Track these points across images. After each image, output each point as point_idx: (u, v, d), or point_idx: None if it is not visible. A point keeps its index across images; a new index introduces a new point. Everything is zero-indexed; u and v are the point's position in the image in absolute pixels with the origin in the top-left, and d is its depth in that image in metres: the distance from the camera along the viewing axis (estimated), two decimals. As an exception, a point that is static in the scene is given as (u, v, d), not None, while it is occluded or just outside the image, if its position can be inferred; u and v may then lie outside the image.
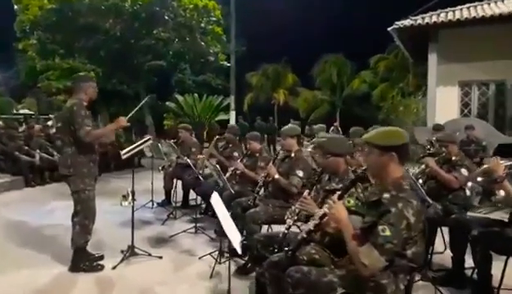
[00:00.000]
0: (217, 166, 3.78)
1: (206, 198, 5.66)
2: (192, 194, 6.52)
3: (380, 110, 22.67)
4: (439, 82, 11.97)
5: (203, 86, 23.18)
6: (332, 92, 25.52)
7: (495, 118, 11.58)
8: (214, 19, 13.43)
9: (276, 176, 3.84)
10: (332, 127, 11.69)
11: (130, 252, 4.05)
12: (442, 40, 11.78)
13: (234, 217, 4.09)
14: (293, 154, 3.94)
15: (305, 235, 2.18)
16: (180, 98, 18.24)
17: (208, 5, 13.07)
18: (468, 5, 12.05)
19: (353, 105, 25.34)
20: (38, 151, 8.27)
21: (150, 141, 4.11)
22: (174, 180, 6.55)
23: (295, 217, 2.60)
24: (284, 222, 3.83)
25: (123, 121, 3.82)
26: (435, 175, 3.78)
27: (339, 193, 2.07)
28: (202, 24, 13.24)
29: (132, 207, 4.08)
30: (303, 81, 27.26)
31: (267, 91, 26.48)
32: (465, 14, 11.28)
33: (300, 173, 3.76)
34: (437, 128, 6.15)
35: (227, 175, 5.18)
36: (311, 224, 2.14)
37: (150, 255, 4.09)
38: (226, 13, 13.76)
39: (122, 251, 4.17)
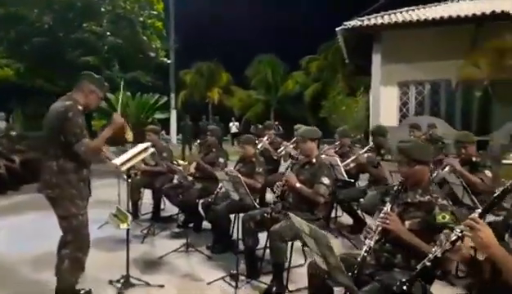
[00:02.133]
0: (240, 174, 3.23)
1: (187, 209, 5.07)
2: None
3: (312, 110, 23.28)
4: (381, 81, 12.41)
5: (132, 84, 21.76)
6: (267, 92, 25.61)
7: (430, 116, 12.23)
8: (155, 13, 12.51)
9: (298, 185, 3.42)
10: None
11: (125, 284, 3.35)
12: (385, 41, 12.22)
13: (245, 233, 3.62)
14: (314, 160, 3.54)
15: (429, 264, 1.80)
16: (111, 96, 16.85)
17: (151, -3, 12.18)
18: (406, 8, 12.66)
19: (287, 105, 25.68)
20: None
21: (152, 150, 3.42)
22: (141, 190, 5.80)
23: (376, 237, 2.21)
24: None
25: (119, 118, 3.16)
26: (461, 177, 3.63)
27: (479, 211, 1.70)
28: (141, 18, 12.25)
29: (128, 230, 3.37)
30: (236, 79, 27.02)
31: (200, 90, 25.75)
32: (407, 17, 11.80)
33: (326, 180, 3.38)
34: (415, 127, 6.16)
35: (220, 184, 4.65)
36: (438, 251, 1.76)
37: (148, 284, 3.41)
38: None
39: (111, 282, 3.46)
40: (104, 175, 5.77)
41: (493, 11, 10.26)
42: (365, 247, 2.22)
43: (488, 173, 3.61)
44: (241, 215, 4.55)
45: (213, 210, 4.26)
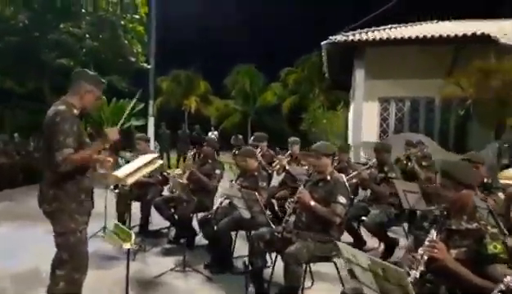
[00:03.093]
0: (243, 189, 3.00)
1: (180, 223, 4.78)
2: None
3: (289, 122, 23.34)
4: (363, 97, 12.53)
5: (108, 89, 21.13)
6: (245, 102, 25.45)
7: (411, 132, 12.39)
8: (137, 17, 12.14)
9: (313, 203, 3.22)
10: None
11: (125, 309, 3.03)
12: (368, 57, 12.37)
13: (254, 253, 3.39)
14: (329, 177, 3.36)
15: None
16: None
17: (135, 0, 11.80)
18: (390, 26, 12.89)
19: (264, 116, 25.63)
20: None
21: (160, 162, 3.15)
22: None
23: (422, 267, 2.04)
24: (326, 260, 3.29)
25: (114, 133, 2.81)
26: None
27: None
28: (122, 22, 11.85)
29: (128, 250, 3.05)
30: (215, 89, 26.73)
31: (177, 98, 25.28)
32: (391, 34, 12.00)
33: (343, 200, 3.20)
34: (411, 144, 6.13)
35: (219, 199, 4.41)
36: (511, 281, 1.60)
37: (149, 309, 3.12)
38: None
39: (106, 306, 3.14)
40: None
41: (474, 33, 10.57)
42: (409, 279, 2.03)
43: (501, 195, 3.55)
44: (241, 232, 4.37)
45: (214, 226, 4.00)
